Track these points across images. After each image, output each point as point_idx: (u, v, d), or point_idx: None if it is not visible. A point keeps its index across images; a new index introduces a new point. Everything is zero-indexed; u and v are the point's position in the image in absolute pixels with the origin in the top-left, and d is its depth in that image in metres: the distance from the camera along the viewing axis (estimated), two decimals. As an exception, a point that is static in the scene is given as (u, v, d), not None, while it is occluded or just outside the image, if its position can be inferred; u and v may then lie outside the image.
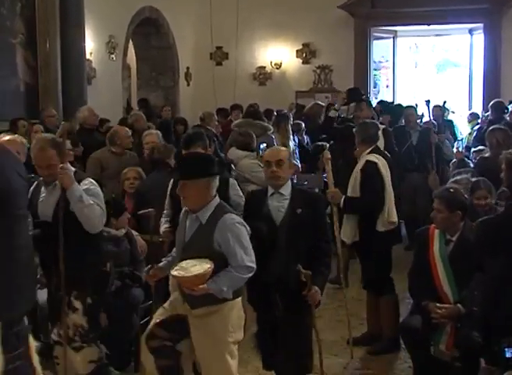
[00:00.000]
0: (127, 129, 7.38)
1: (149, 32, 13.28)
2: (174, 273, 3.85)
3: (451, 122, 11.02)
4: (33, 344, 2.96)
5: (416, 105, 10.33)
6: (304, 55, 14.50)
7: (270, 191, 4.40)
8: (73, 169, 4.55)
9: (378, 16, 13.94)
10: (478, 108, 12.78)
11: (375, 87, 14.59)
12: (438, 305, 4.49)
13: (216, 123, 9.42)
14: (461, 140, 10.87)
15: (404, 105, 10.65)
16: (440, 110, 10.40)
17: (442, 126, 9.62)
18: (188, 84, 14.46)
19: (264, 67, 14.72)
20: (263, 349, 4.49)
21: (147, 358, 4.17)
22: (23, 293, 2.86)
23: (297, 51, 14.52)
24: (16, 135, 5.46)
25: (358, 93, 7.35)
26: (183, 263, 3.86)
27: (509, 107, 9.62)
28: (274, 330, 4.34)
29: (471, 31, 14.27)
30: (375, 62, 14.52)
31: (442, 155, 8.91)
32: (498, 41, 13.32)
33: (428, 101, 8.65)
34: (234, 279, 3.89)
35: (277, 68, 14.67)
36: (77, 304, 4.43)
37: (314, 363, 4.48)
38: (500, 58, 13.33)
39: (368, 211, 5.53)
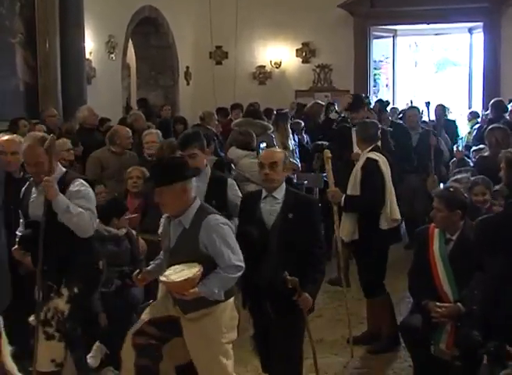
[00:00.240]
0: (127, 129, 7.38)
1: (148, 31, 13.28)
2: (163, 279, 3.81)
3: (454, 121, 10.98)
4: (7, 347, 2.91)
5: (411, 102, 10.34)
6: (304, 54, 14.51)
7: (264, 193, 4.35)
8: (64, 169, 4.51)
9: (378, 15, 13.94)
10: (477, 107, 12.77)
11: (374, 86, 14.60)
12: (438, 304, 4.49)
13: (216, 122, 9.42)
14: (461, 139, 10.87)
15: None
16: (442, 109, 10.40)
17: (437, 127, 9.58)
18: (188, 84, 14.46)
19: (264, 66, 14.73)
20: (260, 352, 4.49)
21: (128, 354, 4.10)
22: None
23: (297, 50, 14.52)
24: (15, 135, 5.44)
25: (361, 100, 7.32)
26: (171, 269, 3.83)
27: (508, 106, 9.62)
28: (267, 334, 4.33)
29: (470, 30, 14.27)
30: (374, 61, 14.52)
31: (441, 157, 8.88)
32: (497, 39, 13.32)
33: (428, 103, 8.64)
34: (224, 280, 3.87)
35: (277, 67, 14.67)
36: (64, 290, 4.37)
37: (311, 363, 4.48)
38: (500, 57, 13.33)
39: (369, 209, 5.53)
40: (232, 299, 4.07)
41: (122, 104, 12.12)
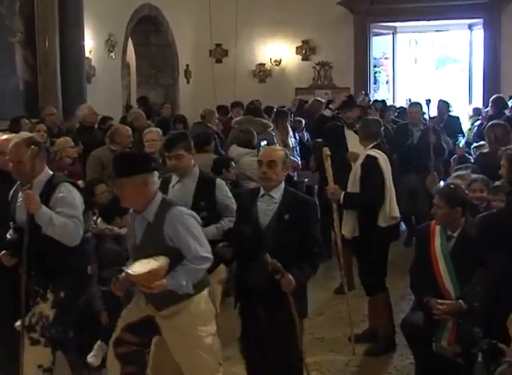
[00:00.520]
0: (127, 127, 7.37)
1: (148, 30, 13.26)
2: (128, 271, 3.75)
3: (457, 118, 10.95)
4: None
5: (409, 100, 10.31)
6: (304, 51, 14.49)
7: (261, 191, 4.28)
8: (51, 172, 4.39)
9: (378, 12, 13.92)
10: (478, 103, 12.75)
11: (374, 84, 14.58)
12: (439, 301, 4.48)
13: (217, 120, 9.41)
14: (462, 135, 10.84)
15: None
16: (445, 105, 10.37)
17: (438, 122, 9.55)
18: (188, 82, 14.45)
19: (264, 64, 14.71)
20: (246, 355, 4.39)
21: (113, 364, 4.06)
22: None
23: (297, 47, 14.51)
24: (14, 134, 5.41)
25: (352, 103, 7.34)
26: (138, 262, 3.77)
27: (508, 103, 9.62)
28: (258, 337, 4.20)
29: (470, 27, 14.25)
30: (374, 58, 14.50)
31: (442, 155, 8.84)
32: (498, 36, 13.30)
33: (428, 101, 8.61)
34: (192, 271, 3.82)
35: (277, 65, 14.65)
36: (50, 295, 4.30)
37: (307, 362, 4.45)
38: (500, 53, 13.32)
39: (368, 206, 5.51)
40: (206, 291, 4.01)
41: (122, 102, 12.11)
